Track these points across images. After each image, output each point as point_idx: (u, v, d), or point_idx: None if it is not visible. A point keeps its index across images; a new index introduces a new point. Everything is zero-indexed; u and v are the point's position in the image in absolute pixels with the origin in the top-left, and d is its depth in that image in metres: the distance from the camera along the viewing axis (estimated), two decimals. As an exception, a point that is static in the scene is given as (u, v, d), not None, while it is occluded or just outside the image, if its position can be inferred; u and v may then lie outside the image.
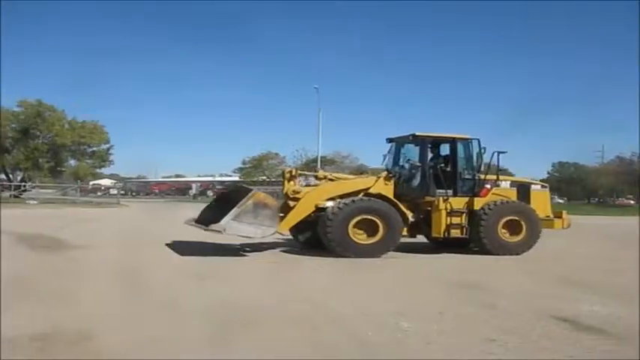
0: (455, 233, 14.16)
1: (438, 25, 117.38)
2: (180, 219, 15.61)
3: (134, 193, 72.22)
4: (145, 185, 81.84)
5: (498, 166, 15.02)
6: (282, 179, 14.56)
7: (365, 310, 7.37)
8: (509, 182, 15.43)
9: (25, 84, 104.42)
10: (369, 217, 13.16)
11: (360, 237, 13.18)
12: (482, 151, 14.60)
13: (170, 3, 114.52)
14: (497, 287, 9.67)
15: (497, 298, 8.34)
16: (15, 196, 51.72)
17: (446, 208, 13.99)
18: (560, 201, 74.13)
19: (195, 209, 15.78)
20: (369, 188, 13.82)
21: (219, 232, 12.33)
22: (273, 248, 14.59)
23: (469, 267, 12.65)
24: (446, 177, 14.38)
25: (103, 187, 71.07)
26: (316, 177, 15.26)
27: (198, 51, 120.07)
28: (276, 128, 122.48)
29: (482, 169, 14.75)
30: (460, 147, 14.69)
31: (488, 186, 14.57)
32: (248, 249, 13.97)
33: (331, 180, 14.64)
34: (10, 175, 61.63)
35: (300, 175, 14.60)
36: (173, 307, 7.26)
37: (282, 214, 13.26)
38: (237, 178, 77.48)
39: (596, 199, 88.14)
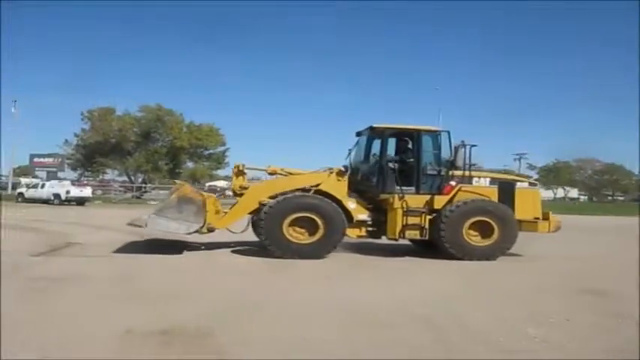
0: (411, 235, 13.01)
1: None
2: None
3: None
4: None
5: (470, 160, 13.51)
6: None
7: (491, 315, 7.29)
8: (488, 179, 13.93)
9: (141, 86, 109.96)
10: (308, 214, 12.42)
11: (298, 236, 12.45)
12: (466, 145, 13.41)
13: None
14: (622, 294, 9.16)
15: (623, 306, 8.04)
16: (136, 197, 55.33)
17: (402, 207, 12.85)
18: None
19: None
20: (319, 184, 13.01)
21: (140, 226, 12.21)
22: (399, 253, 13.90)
23: (593, 272, 12.01)
24: (408, 173, 13.24)
25: (218, 189, 73.62)
26: (268, 172, 14.62)
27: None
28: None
29: (459, 164, 13.39)
30: (426, 140, 13.49)
31: (453, 183, 13.23)
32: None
33: (282, 175, 13.93)
34: (132, 177, 65.59)
35: (249, 170, 14.04)
36: (302, 306, 7.47)
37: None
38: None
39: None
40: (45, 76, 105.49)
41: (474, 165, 13.55)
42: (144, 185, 63.56)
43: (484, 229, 12.93)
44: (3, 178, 67.25)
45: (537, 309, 7.73)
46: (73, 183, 51.34)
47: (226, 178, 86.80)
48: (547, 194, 79.79)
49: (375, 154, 13.54)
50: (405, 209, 12.83)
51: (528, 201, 13.84)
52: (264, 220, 12.32)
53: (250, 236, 13.58)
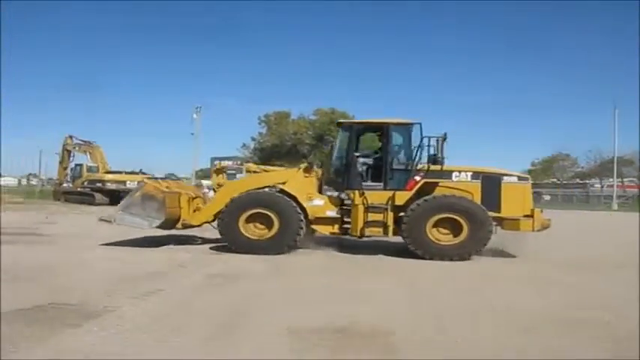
0: (373, 232, 12.65)
1: None
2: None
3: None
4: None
5: (441, 154, 12.74)
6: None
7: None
8: (470, 174, 12.99)
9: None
10: (264, 211, 12.63)
11: (256, 232, 12.72)
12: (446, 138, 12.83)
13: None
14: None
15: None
16: None
17: (363, 203, 12.62)
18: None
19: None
20: (285, 182, 13.24)
21: (109, 222, 13.34)
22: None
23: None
24: (375, 168, 12.99)
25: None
26: (247, 170, 14.98)
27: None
28: (566, 128, 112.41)
29: (438, 157, 12.82)
30: (395, 134, 13.07)
31: (417, 178, 12.63)
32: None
33: (256, 172, 14.28)
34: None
35: (229, 168, 14.65)
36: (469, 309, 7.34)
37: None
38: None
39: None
40: (225, 84, 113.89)
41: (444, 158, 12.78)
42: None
43: (455, 228, 12.20)
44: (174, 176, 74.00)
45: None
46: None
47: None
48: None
49: (341, 150, 13.37)
50: (366, 206, 12.56)
51: (517, 197, 12.69)
52: (222, 215, 12.84)
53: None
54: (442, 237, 12.26)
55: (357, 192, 12.67)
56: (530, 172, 71.22)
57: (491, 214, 12.47)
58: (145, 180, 13.88)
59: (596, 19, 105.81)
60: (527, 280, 10.04)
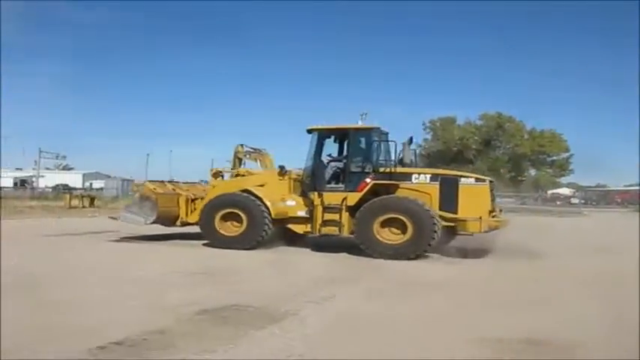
0: (330, 231, 13.46)
1: None
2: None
3: (594, 202, 68.05)
4: (604, 194, 75.44)
5: (407, 157, 13.66)
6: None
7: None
8: (429, 176, 13.35)
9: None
10: (235, 210, 14.00)
11: (231, 229, 14.09)
12: (408, 143, 13.84)
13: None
14: None
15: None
16: None
17: (321, 204, 13.52)
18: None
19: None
20: (264, 184, 14.50)
21: (116, 219, 15.63)
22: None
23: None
24: (337, 172, 13.86)
25: (562, 196, 69.83)
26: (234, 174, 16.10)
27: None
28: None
29: (406, 161, 13.76)
30: (355, 138, 13.82)
31: (367, 180, 13.20)
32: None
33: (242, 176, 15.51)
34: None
35: (225, 172, 16.11)
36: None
37: None
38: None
39: None
40: (386, 91, 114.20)
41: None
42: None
43: (404, 228, 12.63)
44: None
45: None
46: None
47: (569, 185, 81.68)
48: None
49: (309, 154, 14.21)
50: (323, 206, 13.45)
51: (474, 198, 12.76)
52: (200, 215, 14.48)
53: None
54: (393, 237, 12.73)
55: (316, 193, 13.61)
56: None
57: (449, 215, 12.75)
58: (146, 183, 15.84)
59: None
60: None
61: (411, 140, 14.09)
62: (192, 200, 15.33)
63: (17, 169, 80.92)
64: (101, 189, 56.89)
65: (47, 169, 75.19)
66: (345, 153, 13.96)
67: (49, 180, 67.13)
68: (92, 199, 35.65)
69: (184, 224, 15.32)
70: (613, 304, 7.65)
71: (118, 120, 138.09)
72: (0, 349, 4.72)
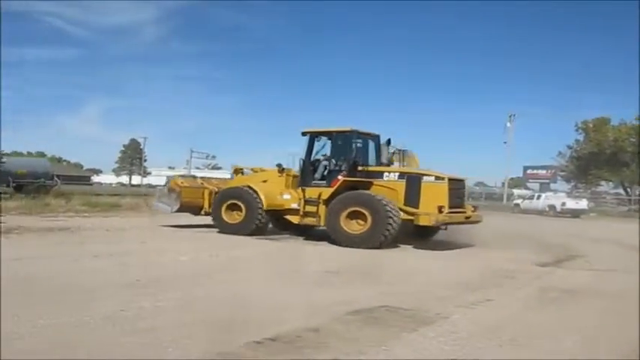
0: (310, 221, 15.13)
1: None
2: None
3: None
4: None
5: (382, 157, 15.26)
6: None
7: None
8: (397, 174, 14.62)
9: None
10: (236, 201, 16.06)
11: (233, 217, 16.07)
12: (386, 144, 15.40)
13: None
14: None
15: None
16: (635, 210, 52.82)
17: (303, 198, 15.25)
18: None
19: None
20: (266, 180, 16.50)
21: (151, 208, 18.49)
22: None
23: None
24: (321, 169, 15.54)
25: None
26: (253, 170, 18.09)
27: None
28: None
29: (383, 161, 15.49)
30: (336, 140, 15.39)
31: (339, 177, 14.66)
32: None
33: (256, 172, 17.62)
34: (628, 190, 63.40)
35: (244, 170, 18.22)
36: None
37: None
38: None
39: None
40: (536, 93, 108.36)
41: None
42: None
43: (365, 219, 13.96)
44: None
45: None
46: (567, 195, 53.10)
47: None
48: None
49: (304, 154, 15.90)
50: (305, 200, 15.19)
51: (432, 194, 13.90)
52: (212, 204, 16.74)
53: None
54: (357, 227, 14.09)
55: (300, 189, 15.43)
56: None
57: (411, 209, 14.01)
58: (175, 178, 18.45)
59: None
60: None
61: (388, 142, 15.50)
62: (216, 193, 17.45)
63: (170, 167, 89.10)
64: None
65: (197, 168, 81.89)
66: (331, 153, 15.52)
67: (198, 178, 73.81)
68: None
69: (207, 214, 17.44)
70: None
71: (264, 119, 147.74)
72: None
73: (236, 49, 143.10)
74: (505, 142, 66.55)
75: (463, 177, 15.45)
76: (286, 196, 15.95)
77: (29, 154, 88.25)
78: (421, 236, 14.81)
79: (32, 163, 40.14)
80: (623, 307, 7.61)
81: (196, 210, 17.66)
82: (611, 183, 66.05)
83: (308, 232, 15.90)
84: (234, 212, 16.10)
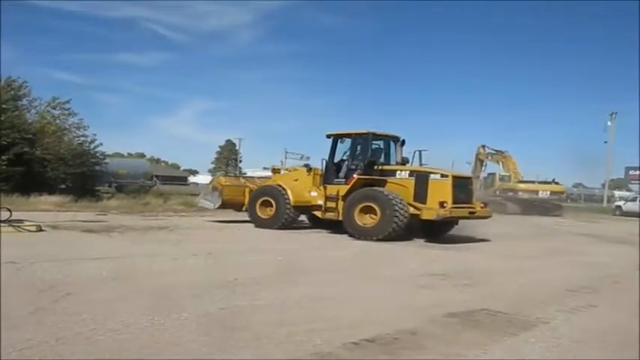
0: (330, 216, 16.26)
1: None
2: None
3: None
4: None
5: (398, 157, 16.26)
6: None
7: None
8: (407, 172, 15.64)
9: None
10: (267, 198, 17.42)
11: (266, 212, 17.36)
12: (401, 145, 16.44)
13: None
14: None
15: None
16: None
17: (325, 195, 16.46)
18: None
19: None
20: (297, 179, 17.74)
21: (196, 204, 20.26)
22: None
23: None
24: (342, 168, 16.69)
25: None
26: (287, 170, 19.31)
27: None
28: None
29: (398, 161, 16.55)
30: (354, 141, 16.49)
31: (355, 175, 15.72)
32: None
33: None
34: None
35: (280, 169, 19.66)
36: None
37: None
38: None
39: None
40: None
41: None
42: None
43: (376, 213, 14.99)
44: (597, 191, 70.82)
45: None
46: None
47: None
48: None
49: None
50: (326, 196, 16.40)
51: (438, 190, 14.84)
52: (248, 202, 18.12)
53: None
54: (370, 221, 15.10)
55: (322, 186, 16.67)
56: None
57: (419, 205, 14.97)
58: (219, 177, 20.04)
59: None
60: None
61: (403, 142, 16.39)
62: None
63: (264, 168, 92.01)
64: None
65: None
66: (351, 153, 16.63)
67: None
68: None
69: (246, 210, 18.71)
70: None
71: (358, 121, 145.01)
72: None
73: (330, 51, 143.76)
74: (606, 142, 63.63)
75: (469, 174, 16.15)
76: (313, 194, 17.09)
77: (129, 155, 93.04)
78: (434, 231, 15.55)
79: (132, 164, 43.30)
80: None
81: (238, 207, 19.10)
82: None
83: (333, 227, 16.77)
84: (267, 208, 17.41)
